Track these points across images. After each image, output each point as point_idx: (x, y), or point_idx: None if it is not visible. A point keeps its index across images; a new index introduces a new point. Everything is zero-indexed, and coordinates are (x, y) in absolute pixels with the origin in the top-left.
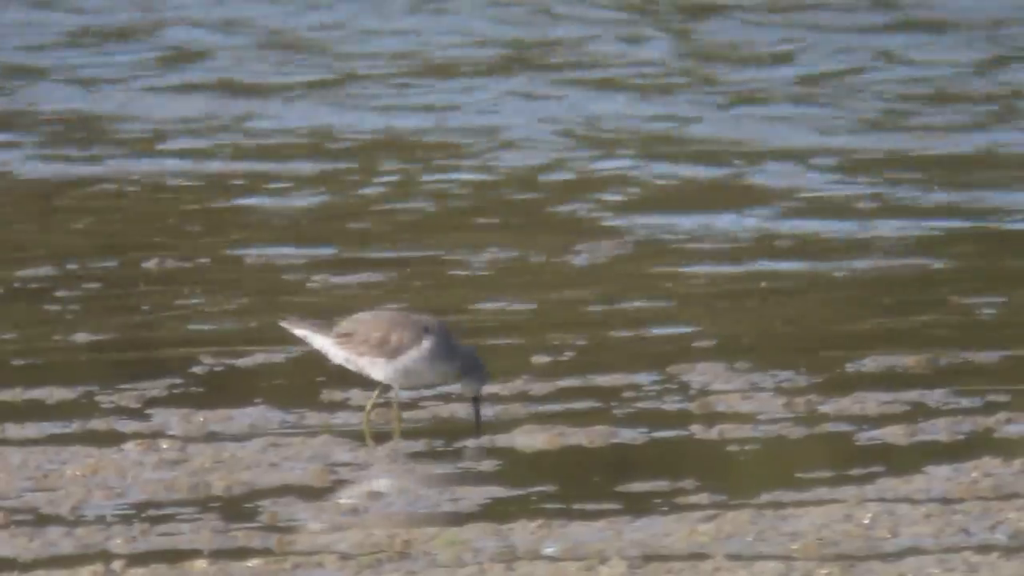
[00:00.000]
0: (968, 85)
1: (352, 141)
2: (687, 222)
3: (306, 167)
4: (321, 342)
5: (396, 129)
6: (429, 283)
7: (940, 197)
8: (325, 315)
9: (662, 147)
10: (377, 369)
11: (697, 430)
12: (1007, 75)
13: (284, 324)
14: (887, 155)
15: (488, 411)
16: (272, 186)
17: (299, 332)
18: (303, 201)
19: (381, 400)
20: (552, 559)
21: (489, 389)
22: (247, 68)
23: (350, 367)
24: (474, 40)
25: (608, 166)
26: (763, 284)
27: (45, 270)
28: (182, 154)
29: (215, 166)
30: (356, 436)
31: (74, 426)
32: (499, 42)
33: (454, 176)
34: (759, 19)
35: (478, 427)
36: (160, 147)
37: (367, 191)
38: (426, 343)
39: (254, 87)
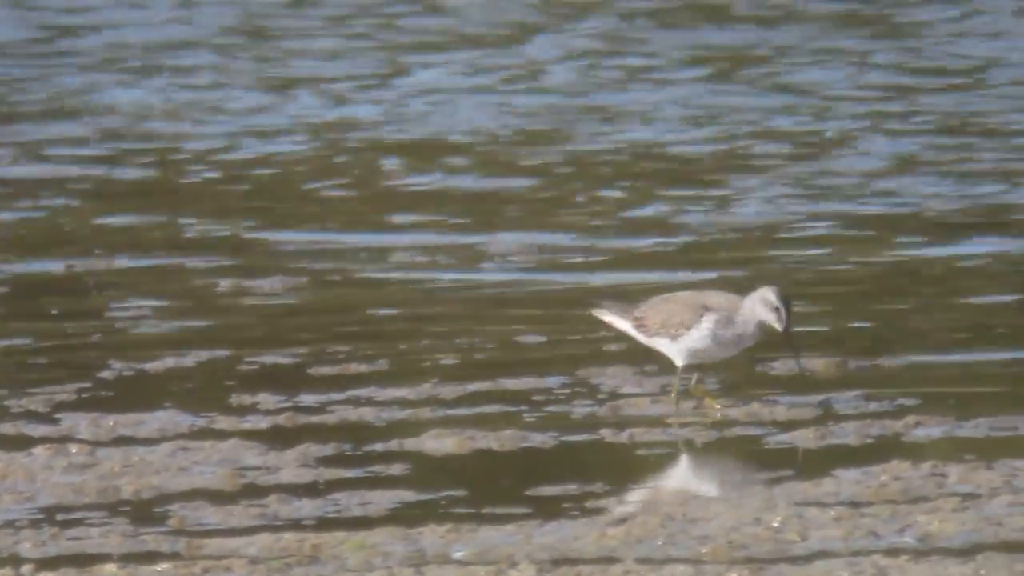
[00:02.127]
0: None
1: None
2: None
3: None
4: (623, 326)
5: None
6: (335, 283)
7: (858, 205)
8: (630, 301)
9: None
10: (666, 349)
11: (607, 434)
12: None
13: (594, 312)
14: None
15: (397, 415)
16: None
17: (606, 318)
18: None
19: (687, 380)
20: (461, 563)
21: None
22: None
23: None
24: None
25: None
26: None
27: None
28: (86, 160)
29: (126, 171)
30: (266, 440)
31: None
32: None
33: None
34: None
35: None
36: (66, 152)
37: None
38: (705, 323)
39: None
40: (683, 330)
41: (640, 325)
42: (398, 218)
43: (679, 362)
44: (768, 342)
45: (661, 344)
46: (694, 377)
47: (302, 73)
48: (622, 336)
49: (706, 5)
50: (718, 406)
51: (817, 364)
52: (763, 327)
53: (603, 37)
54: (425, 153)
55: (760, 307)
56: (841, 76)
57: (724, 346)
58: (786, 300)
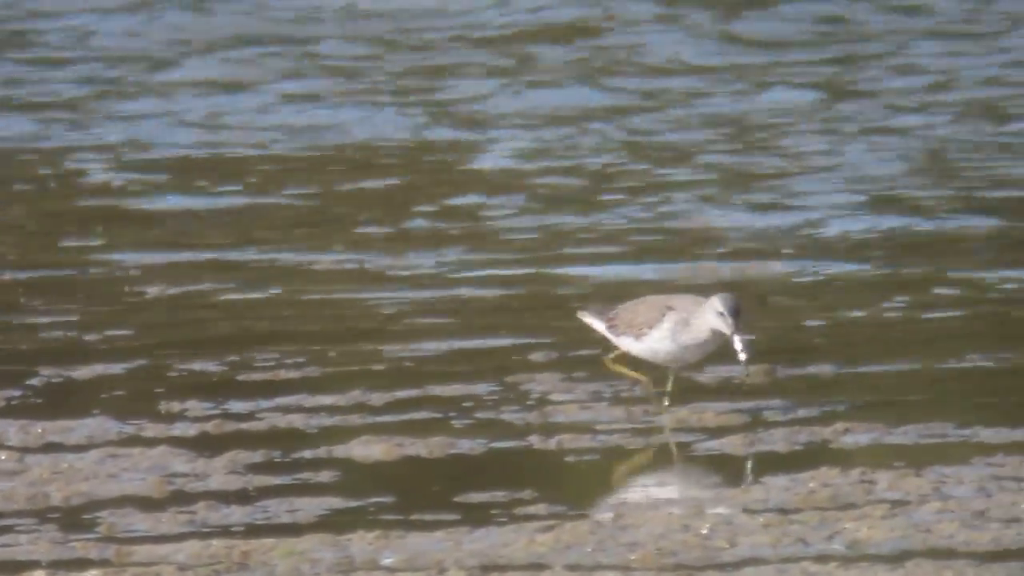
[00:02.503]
0: None
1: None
2: (529, 221)
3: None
4: (600, 327)
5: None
6: (264, 291)
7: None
8: (612, 303)
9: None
10: (632, 349)
11: (536, 440)
12: None
13: (579, 314)
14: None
15: (326, 421)
16: (123, 196)
17: (587, 320)
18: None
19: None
20: (390, 570)
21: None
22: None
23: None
24: None
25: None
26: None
27: None
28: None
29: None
30: (195, 447)
31: None
32: None
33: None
34: None
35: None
36: None
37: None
38: (666, 324)
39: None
40: (646, 330)
41: (611, 326)
42: (329, 227)
43: (654, 361)
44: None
45: (627, 344)
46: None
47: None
48: (550, 343)
49: None
50: (646, 386)
51: (748, 371)
52: (718, 334)
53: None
54: (361, 161)
55: (710, 314)
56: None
57: (685, 348)
58: (734, 307)
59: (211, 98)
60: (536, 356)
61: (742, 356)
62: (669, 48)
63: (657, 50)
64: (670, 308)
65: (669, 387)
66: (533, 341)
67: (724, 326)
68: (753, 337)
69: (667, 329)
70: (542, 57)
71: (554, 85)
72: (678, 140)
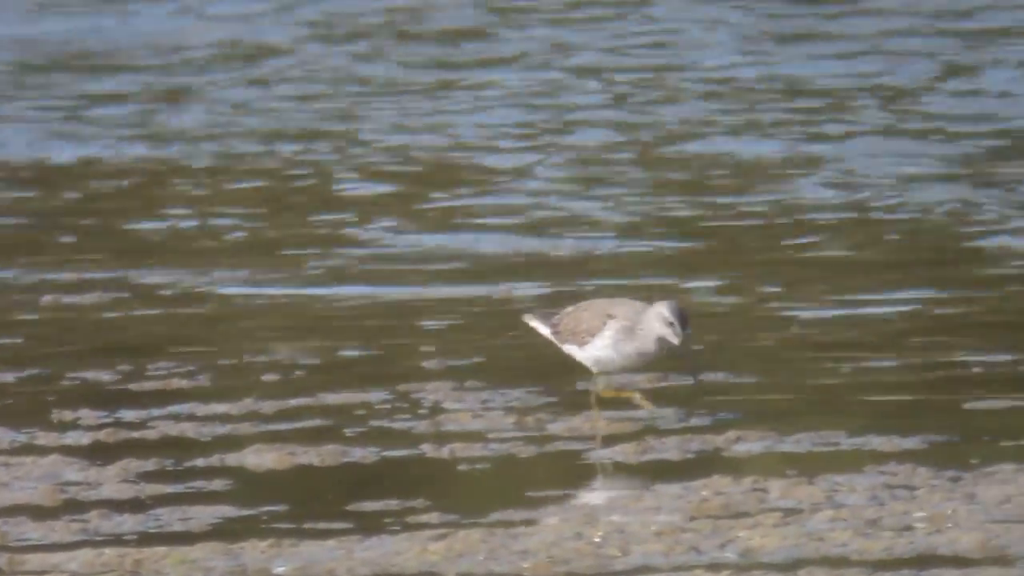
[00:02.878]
0: None
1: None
2: (424, 240)
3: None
4: (545, 332)
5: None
6: (156, 299)
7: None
8: (558, 307)
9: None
10: (576, 356)
11: (428, 449)
12: None
13: (524, 318)
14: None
15: (219, 430)
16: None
17: (533, 324)
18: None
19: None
20: None
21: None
22: None
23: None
24: None
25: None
26: (498, 298)
27: None
28: None
29: None
30: (87, 455)
31: None
32: None
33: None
34: None
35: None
36: None
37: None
38: (607, 331)
39: None
40: (588, 338)
41: (556, 332)
42: (220, 232)
43: (593, 369)
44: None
45: (572, 351)
46: (601, 383)
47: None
48: (442, 351)
49: None
50: (641, 401)
51: (639, 379)
52: (663, 343)
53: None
54: (246, 165)
55: (656, 322)
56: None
57: (627, 357)
58: (682, 315)
59: None
60: (428, 364)
61: (691, 366)
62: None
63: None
64: (611, 316)
65: (598, 391)
66: (425, 349)
67: (671, 334)
68: (701, 348)
69: (609, 337)
70: None
71: None
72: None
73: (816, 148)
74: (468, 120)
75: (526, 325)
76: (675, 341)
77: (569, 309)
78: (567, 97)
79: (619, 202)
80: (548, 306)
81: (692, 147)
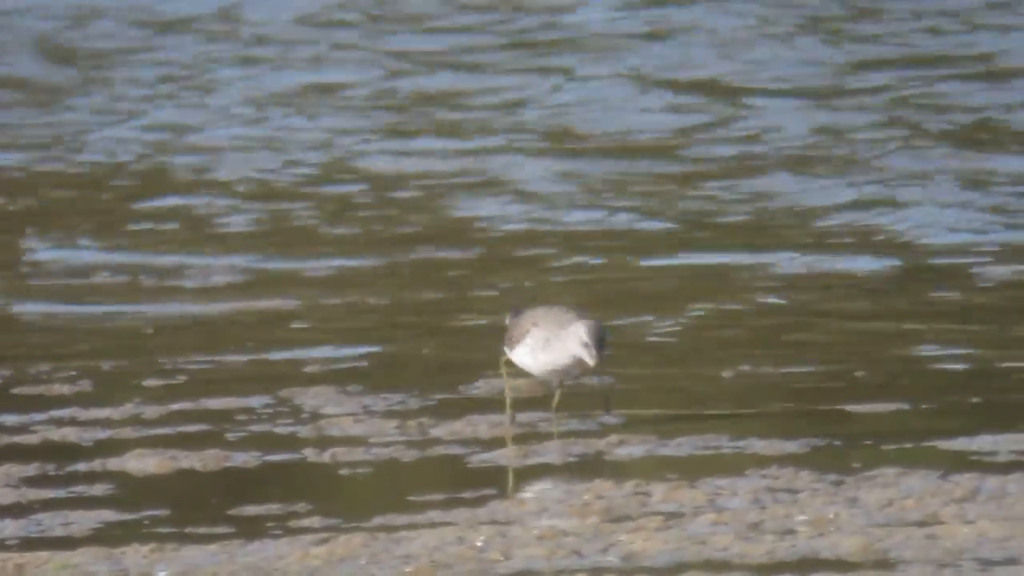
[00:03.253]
0: None
1: None
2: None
3: None
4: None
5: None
6: (37, 302)
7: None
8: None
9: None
10: (513, 359)
11: (310, 453)
12: None
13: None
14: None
15: (100, 435)
16: None
17: (507, 320)
18: None
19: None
20: None
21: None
22: None
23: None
24: None
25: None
26: (371, 301)
27: None
28: None
29: None
30: None
31: None
32: None
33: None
34: None
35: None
36: None
37: None
38: (528, 340)
39: None
40: (516, 344)
41: (503, 335)
42: (102, 236)
43: (529, 372)
44: (468, 360)
45: (509, 354)
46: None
47: None
48: (324, 356)
49: None
50: (508, 406)
51: (521, 383)
52: (578, 362)
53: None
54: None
55: (572, 340)
56: None
57: (543, 367)
58: (599, 337)
59: None
60: (310, 369)
61: (604, 391)
62: None
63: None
64: (535, 325)
65: (555, 401)
66: (306, 354)
67: (587, 356)
68: (613, 381)
69: (528, 347)
70: None
71: None
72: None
73: None
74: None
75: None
76: (590, 363)
77: (526, 311)
78: None
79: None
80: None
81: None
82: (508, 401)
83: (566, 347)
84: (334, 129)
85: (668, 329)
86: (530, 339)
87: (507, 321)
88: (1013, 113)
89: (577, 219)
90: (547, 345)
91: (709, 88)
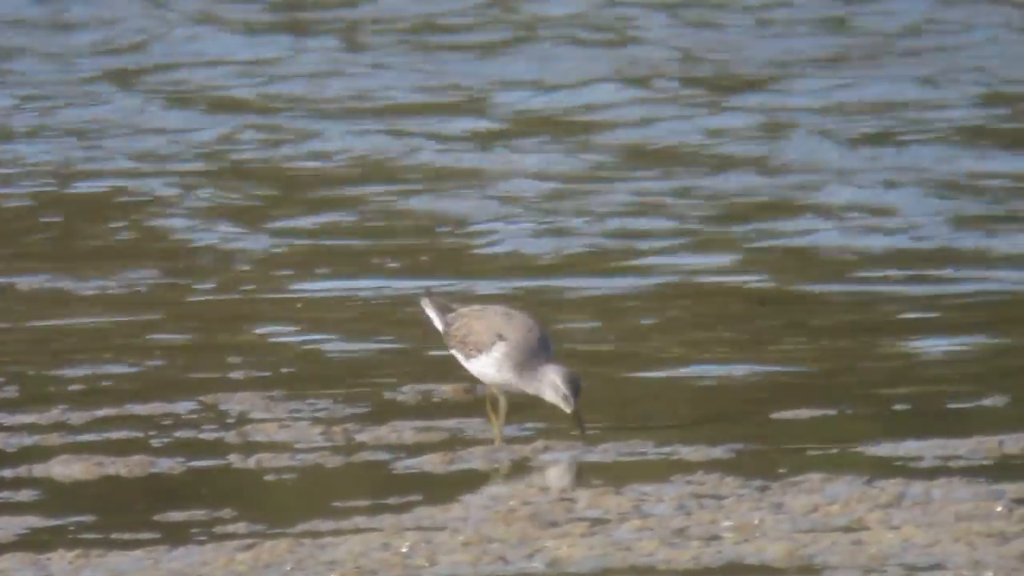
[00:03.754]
0: None
1: None
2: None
3: None
4: (439, 326)
5: None
6: None
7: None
8: (461, 300)
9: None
10: (464, 364)
11: (235, 459)
12: None
13: (423, 301)
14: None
15: (25, 441)
16: None
17: (428, 313)
18: None
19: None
20: None
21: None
22: None
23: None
24: None
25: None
26: (299, 305)
27: None
28: None
29: None
30: None
31: None
32: None
33: None
34: None
35: (582, 433)
36: None
37: None
38: (495, 352)
39: None
40: (475, 352)
41: (446, 332)
42: (21, 237)
43: (480, 379)
44: (393, 365)
45: (458, 358)
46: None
47: None
48: (249, 362)
49: None
50: (496, 431)
51: (446, 388)
52: (550, 396)
53: None
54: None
55: (549, 390)
56: None
57: (508, 383)
58: (575, 384)
59: None
60: (235, 375)
61: (578, 422)
62: None
63: None
64: (501, 336)
65: (501, 405)
66: (232, 360)
67: (564, 405)
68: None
69: (495, 359)
70: None
71: None
72: None
73: None
74: None
75: (420, 309)
76: (568, 410)
77: (464, 311)
78: None
79: None
80: (448, 298)
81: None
82: (498, 428)
83: (540, 386)
84: None
85: (589, 336)
86: (497, 353)
87: (434, 314)
88: None
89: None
90: (519, 370)
91: None
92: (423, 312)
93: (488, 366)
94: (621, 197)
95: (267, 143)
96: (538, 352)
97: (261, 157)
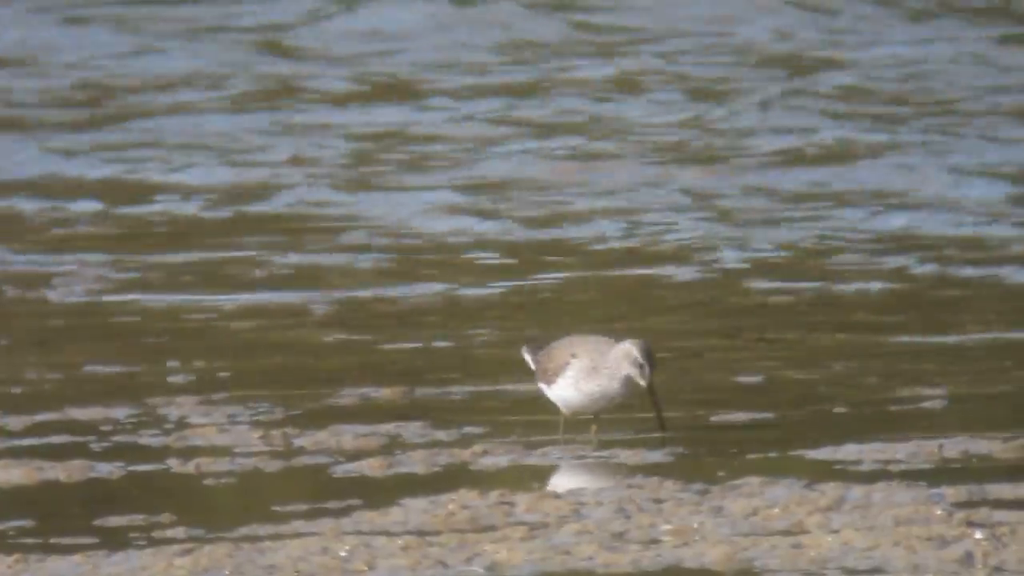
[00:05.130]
0: None
1: None
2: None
3: None
4: (532, 367)
5: None
6: None
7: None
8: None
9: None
10: (547, 395)
11: (174, 464)
12: None
13: (522, 350)
14: None
15: None
16: None
17: (527, 359)
18: None
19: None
20: None
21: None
22: None
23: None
24: None
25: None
26: (237, 311)
27: None
28: None
29: None
30: None
31: None
32: None
33: None
34: None
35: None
36: None
37: None
38: (569, 372)
39: None
40: (555, 378)
41: (535, 368)
42: None
43: (563, 410)
44: (332, 370)
45: (543, 389)
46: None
47: None
48: (188, 366)
49: None
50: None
51: (384, 392)
52: (630, 384)
53: None
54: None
55: (625, 362)
56: None
57: (589, 396)
58: (649, 355)
59: None
60: (174, 379)
61: (657, 409)
62: None
63: None
64: (574, 355)
65: (594, 429)
66: (171, 364)
67: (639, 375)
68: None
69: (570, 378)
70: None
71: None
72: None
73: None
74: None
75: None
76: (642, 383)
77: (552, 343)
78: None
79: None
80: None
81: None
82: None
83: (615, 371)
84: None
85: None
86: (571, 371)
87: (529, 356)
88: None
89: None
90: (592, 373)
91: None
92: (526, 363)
93: (566, 387)
94: None
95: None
96: (618, 353)
97: None
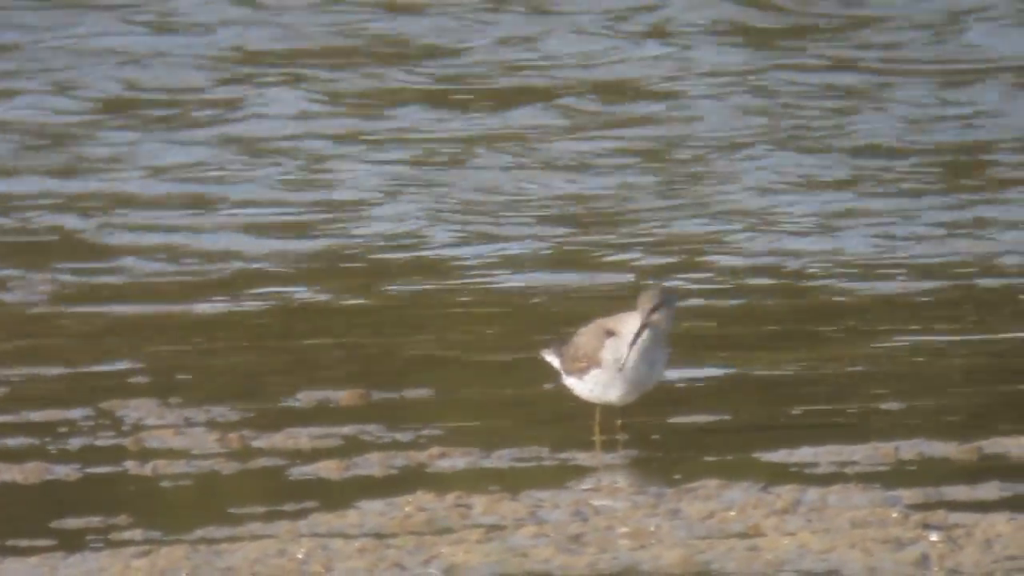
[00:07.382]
0: None
1: None
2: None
3: None
4: (556, 366)
5: None
6: None
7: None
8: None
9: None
10: (577, 390)
11: (131, 466)
12: None
13: (543, 352)
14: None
15: None
16: None
17: (549, 360)
18: None
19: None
20: None
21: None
22: None
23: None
24: None
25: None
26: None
27: None
28: None
29: None
30: None
31: None
32: None
33: None
34: None
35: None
36: None
37: None
38: (607, 353)
39: None
40: (589, 365)
41: (562, 366)
42: None
43: (604, 398)
44: (283, 372)
45: (572, 385)
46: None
47: None
48: (146, 368)
49: None
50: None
51: (341, 395)
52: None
53: None
54: None
55: (644, 302)
56: None
57: (636, 371)
58: (660, 300)
59: None
60: (132, 381)
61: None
62: None
63: None
64: (610, 333)
65: (619, 426)
66: (128, 366)
67: (643, 314)
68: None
69: (614, 356)
70: None
71: None
72: None
73: None
74: None
75: (544, 361)
76: (641, 319)
77: (577, 333)
78: None
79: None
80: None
81: None
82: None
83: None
84: None
85: (483, 341)
86: (608, 352)
87: (552, 357)
88: None
89: None
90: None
91: None
92: (549, 365)
93: (608, 370)
94: None
95: None
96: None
97: None
